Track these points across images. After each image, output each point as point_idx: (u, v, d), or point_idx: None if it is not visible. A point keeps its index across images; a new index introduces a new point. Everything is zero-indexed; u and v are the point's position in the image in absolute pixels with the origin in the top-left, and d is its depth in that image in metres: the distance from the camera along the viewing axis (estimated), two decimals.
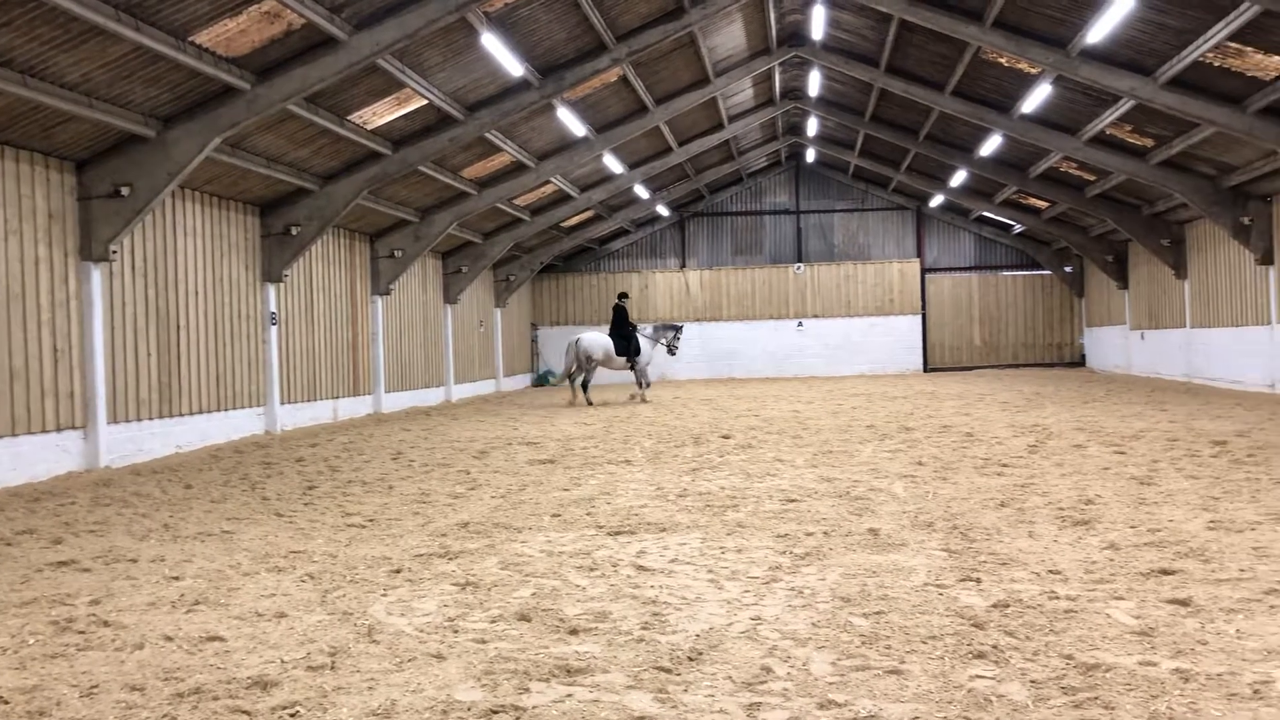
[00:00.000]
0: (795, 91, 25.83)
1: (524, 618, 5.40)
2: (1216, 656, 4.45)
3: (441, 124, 17.78)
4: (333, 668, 4.68)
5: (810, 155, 33.67)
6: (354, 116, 16.18)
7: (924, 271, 35.25)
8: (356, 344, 21.54)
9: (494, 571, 6.54)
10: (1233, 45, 14.56)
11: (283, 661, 4.78)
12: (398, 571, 6.61)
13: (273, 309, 17.97)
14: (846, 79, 23.38)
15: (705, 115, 24.62)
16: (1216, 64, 15.36)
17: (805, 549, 6.94)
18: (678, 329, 24.80)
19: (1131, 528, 7.31)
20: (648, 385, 24.62)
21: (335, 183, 17.92)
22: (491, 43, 14.93)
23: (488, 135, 18.84)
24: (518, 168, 22.13)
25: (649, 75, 20.10)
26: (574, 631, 5.14)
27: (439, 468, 12.22)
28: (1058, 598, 5.47)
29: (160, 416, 14.87)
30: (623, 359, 23.60)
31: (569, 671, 4.52)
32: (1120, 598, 5.46)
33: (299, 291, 19.20)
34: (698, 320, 35.23)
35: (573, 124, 20.26)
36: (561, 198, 26.43)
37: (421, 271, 25.01)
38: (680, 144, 25.85)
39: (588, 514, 8.61)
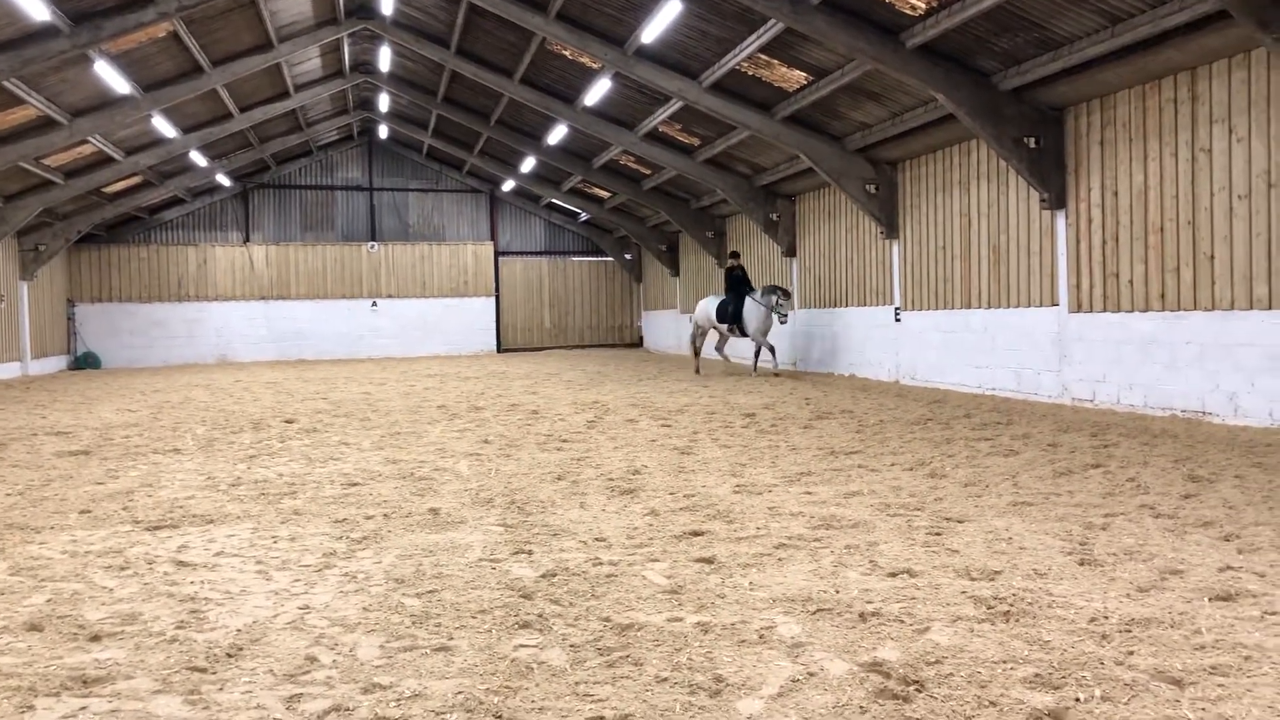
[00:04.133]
0: (366, 65, 25.23)
1: (34, 628, 4.81)
2: (732, 608, 4.93)
3: None
4: None
5: (383, 132, 33.08)
6: None
7: (497, 254, 36.00)
8: None
9: (0, 579, 5.76)
10: (763, 57, 16.23)
11: None
12: None
13: None
14: (418, 57, 23.22)
15: (270, 82, 23.32)
16: (750, 73, 17.05)
17: (363, 533, 6.81)
18: (778, 291, 20.28)
19: (670, 494, 7.93)
20: (760, 358, 21.38)
21: None
22: None
23: (7, 84, 16.52)
24: (46, 123, 19.63)
25: (204, 34, 18.64)
26: (95, 638, 4.65)
27: None
28: (601, 564, 5.80)
29: None
30: (725, 325, 21.32)
31: (85, 682, 4.09)
32: (656, 560, 5.89)
33: None
34: (263, 299, 33.47)
35: (115, 80, 18.30)
36: (103, 160, 23.83)
37: None
38: (242, 110, 24.28)
39: (124, 509, 7.85)
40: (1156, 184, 12.43)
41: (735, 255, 22.26)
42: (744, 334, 21.18)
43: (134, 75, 18.99)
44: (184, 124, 23.55)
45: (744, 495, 7.85)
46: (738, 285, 21.28)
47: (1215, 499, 7.24)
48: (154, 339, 32.39)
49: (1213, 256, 11.59)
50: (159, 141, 24.09)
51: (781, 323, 20.42)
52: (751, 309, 20.71)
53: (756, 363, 21.35)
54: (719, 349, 23.02)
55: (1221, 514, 6.73)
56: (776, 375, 20.68)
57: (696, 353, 22.91)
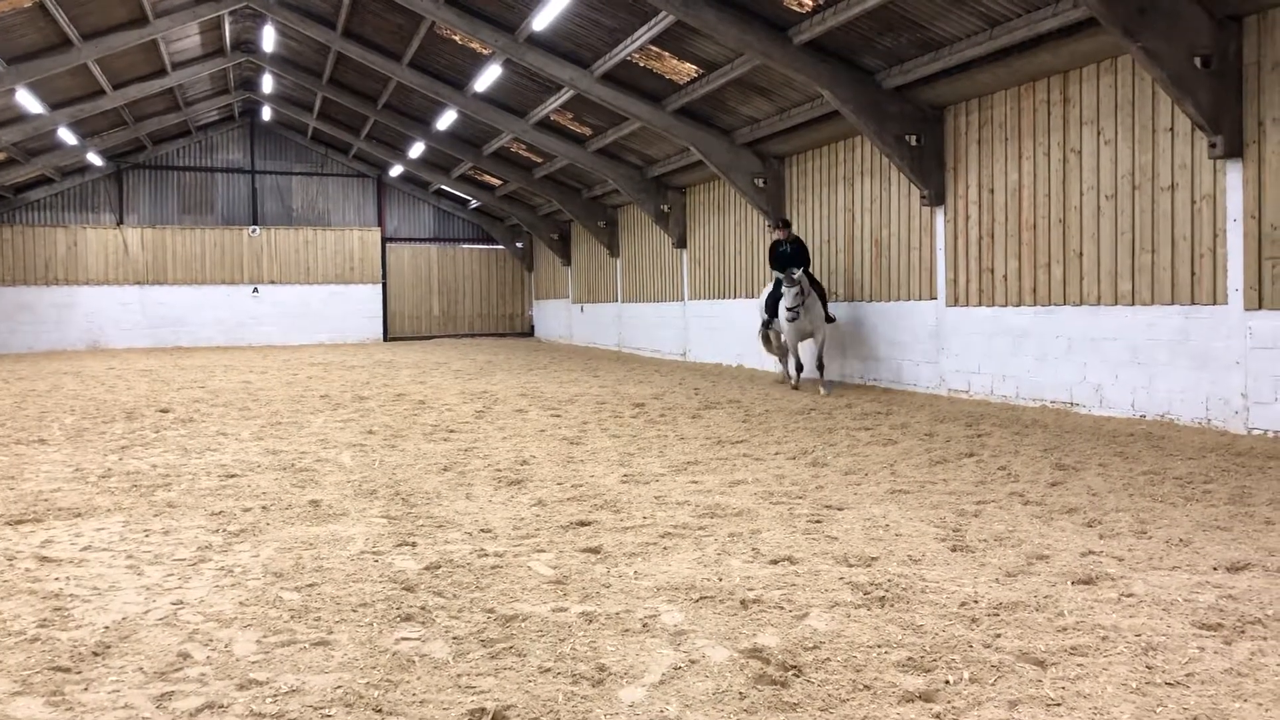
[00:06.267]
0: (248, 44, 24.46)
1: None
2: (617, 597, 4.96)
3: None
4: None
5: (266, 113, 32.14)
6: None
7: (385, 240, 35.36)
8: None
9: None
10: (654, 49, 16.29)
11: None
12: None
13: None
14: (303, 38, 22.63)
15: (145, 58, 22.40)
16: (642, 64, 17.10)
17: (240, 525, 6.63)
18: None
19: (559, 484, 7.93)
20: (791, 366, 15.85)
21: None
22: None
23: None
24: None
25: (74, 6, 17.80)
26: None
27: None
28: (487, 555, 5.77)
29: None
30: (767, 319, 15.96)
31: None
32: (542, 550, 5.88)
33: None
34: (138, 283, 32.22)
35: None
36: None
37: None
38: (116, 87, 23.27)
39: None
40: (1030, 183, 12.90)
41: (784, 224, 15.93)
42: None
43: None
44: (52, 99, 22.48)
45: (631, 485, 7.89)
46: (785, 265, 15.18)
47: (1080, 486, 7.57)
48: (19, 324, 30.89)
49: (1081, 253, 12.09)
50: (23, 117, 22.95)
51: (789, 319, 14.72)
52: (788, 298, 14.84)
53: (823, 374, 15.49)
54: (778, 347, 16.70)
55: (1085, 501, 7.05)
56: (795, 388, 15.54)
57: (782, 355, 16.46)
